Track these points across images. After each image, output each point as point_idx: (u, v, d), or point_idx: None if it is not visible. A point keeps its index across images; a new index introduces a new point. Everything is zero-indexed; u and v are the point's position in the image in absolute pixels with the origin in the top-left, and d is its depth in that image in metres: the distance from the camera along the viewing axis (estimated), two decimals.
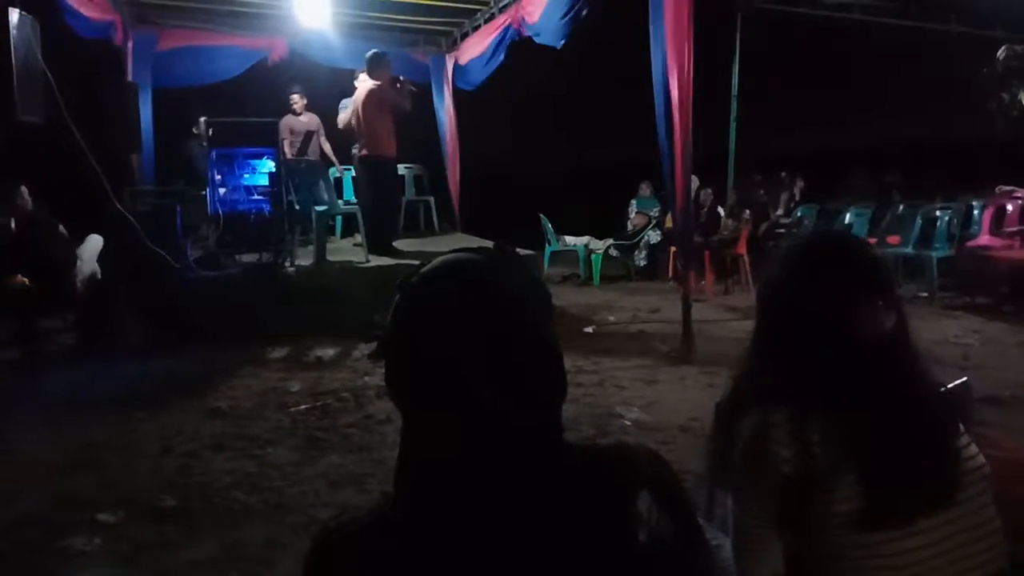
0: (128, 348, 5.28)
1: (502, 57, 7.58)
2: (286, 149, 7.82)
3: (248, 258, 6.39)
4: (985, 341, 5.53)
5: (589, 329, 6.25)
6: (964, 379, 2.09)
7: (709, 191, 8.76)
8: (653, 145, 5.33)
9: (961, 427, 1.29)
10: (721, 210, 8.70)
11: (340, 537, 0.78)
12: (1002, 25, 8.57)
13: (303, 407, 4.28)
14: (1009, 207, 7.58)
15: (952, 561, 1.18)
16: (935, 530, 1.17)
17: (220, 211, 6.71)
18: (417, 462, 0.79)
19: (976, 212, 7.69)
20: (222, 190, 6.90)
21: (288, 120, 8.09)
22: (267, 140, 7.13)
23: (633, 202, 10.14)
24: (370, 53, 6.72)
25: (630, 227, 9.70)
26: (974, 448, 1.27)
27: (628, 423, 3.98)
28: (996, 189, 7.78)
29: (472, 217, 9.13)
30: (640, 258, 9.23)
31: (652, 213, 9.54)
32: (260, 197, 6.94)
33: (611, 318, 6.75)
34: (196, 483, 3.32)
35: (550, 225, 9.02)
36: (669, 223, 8.33)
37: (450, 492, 0.76)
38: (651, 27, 5.14)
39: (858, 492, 1.15)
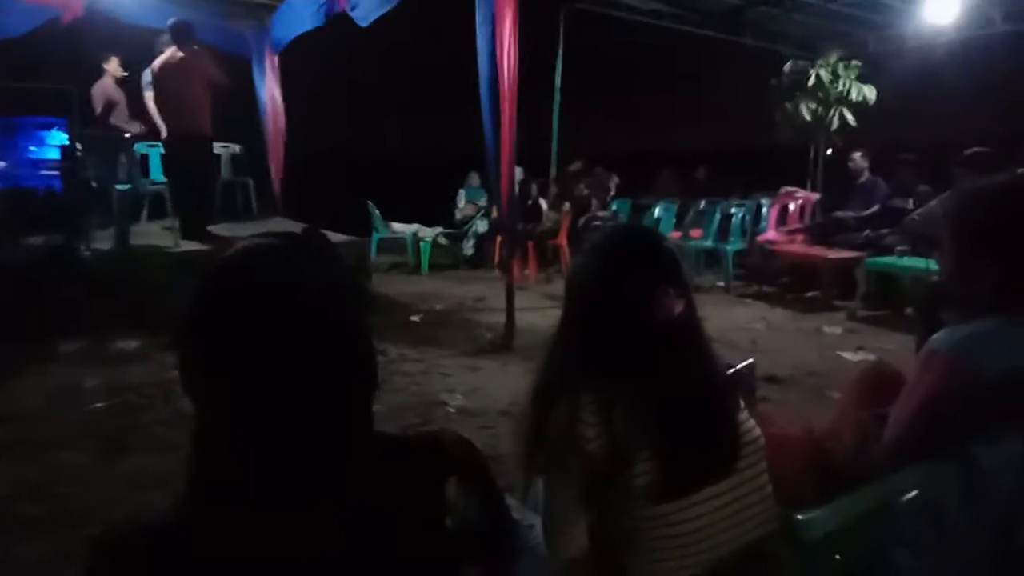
0: None
1: (314, 22, 7.24)
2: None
3: (35, 241, 5.72)
4: (770, 326, 6.19)
5: (415, 318, 6.25)
6: (751, 360, 2.33)
7: (535, 184, 9.07)
8: (481, 135, 5.42)
9: (741, 403, 1.44)
10: (543, 202, 9.02)
11: (120, 546, 0.73)
12: (787, 42, 9.59)
13: (100, 405, 3.92)
14: (791, 206, 8.51)
15: (733, 525, 1.32)
16: (718, 498, 1.30)
17: None
18: (211, 458, 0.75)
19: (765, 210, 8.57)
20: (2, 163, 6.13)
21: (106, 87, 7.30)
22: (58, 109, 6.43)
23: (462, 191, 10.24)
24: (173, 21, 6.19)
25: (459, 216, 9.80)
26: (752, 422, 1.42)
27: (452, 410, 4.04)
28: (781, 190, 8.70)
29: (295, 201, 8.75)
30: (468, 247, 9.36)
31: (480, 203, 9.69)
32: (50, 172, 6.25)
33: (438, 306, 6.80)
34: None
35: (377, 212, 8.88)
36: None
37: (247, 488, 0.73)
38: (477, 20, 5.22)
39: (653, 466, 1.25)
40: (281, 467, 0.74)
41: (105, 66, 7.52)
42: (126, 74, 7.47)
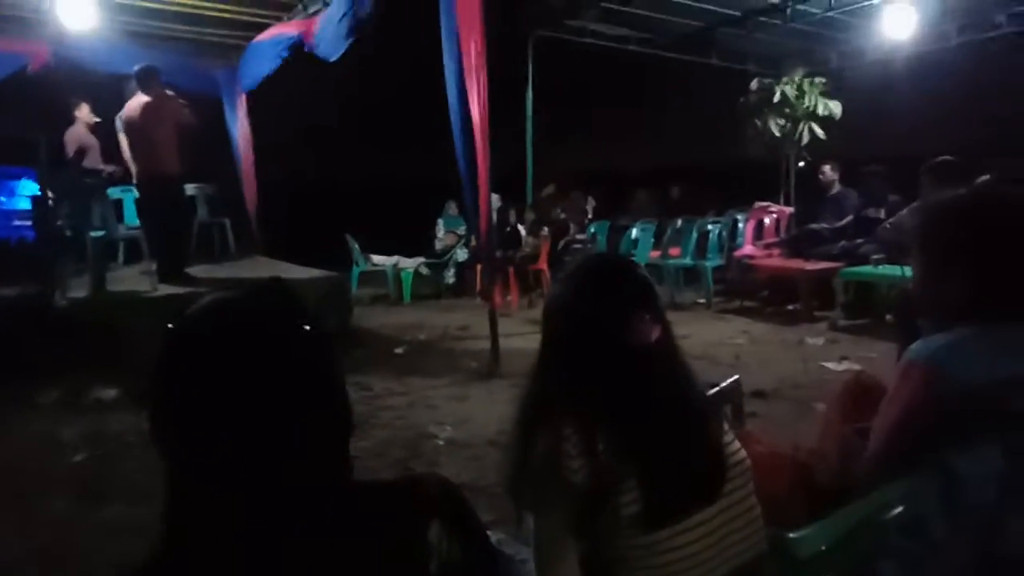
0: None
1: (281, 59, 7.33)
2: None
3: (8, 292, 5.64)
4: (752, 340, 6.23)
5: (399, 350, 6.22)
6: (736, 377, 2.34)
7: (512, 211, 9.13)
8: (455, 164, 5.44)
9: (726, 425, 1.44)
10: (521, 228, 9.07)
11: None
12: (752, 61, 9.77)
13: (79, 457, 3.84)
14: (766, 220, 8.62)
15: (721, 550, 1.31)
16: (706, 523, 1.29)
17: None
18: (183, 510, 0.75)
19: (741, 225, 8.66)
20: None
21: (79, 133, 7.27)
22: (28, 159, 6.38)
23: (440, 221, 10.26)
24: (137, 68, 6.23)
25: (439, 246, 9.81)
26: (737, 444, 1.42)
27: (441, 442, 4.00)
28: (755, 204, 8.80)
29: (274, 239, 8.73)
30: (449, 276, 9.36)
31: (460, 232, 9.71)
32: (22, 223, 6.18)
33: (422, 337, 6.77)
34: None
35: (357, 245, 8.86)
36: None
37: (220, 539, 0.73)
38: (444, 50, 5.26)
39: (638, 496, 1.24)
40: (256, 519, 0.73)
41: (76, 113, 7.49)
42: (98, 120, 7.44)
